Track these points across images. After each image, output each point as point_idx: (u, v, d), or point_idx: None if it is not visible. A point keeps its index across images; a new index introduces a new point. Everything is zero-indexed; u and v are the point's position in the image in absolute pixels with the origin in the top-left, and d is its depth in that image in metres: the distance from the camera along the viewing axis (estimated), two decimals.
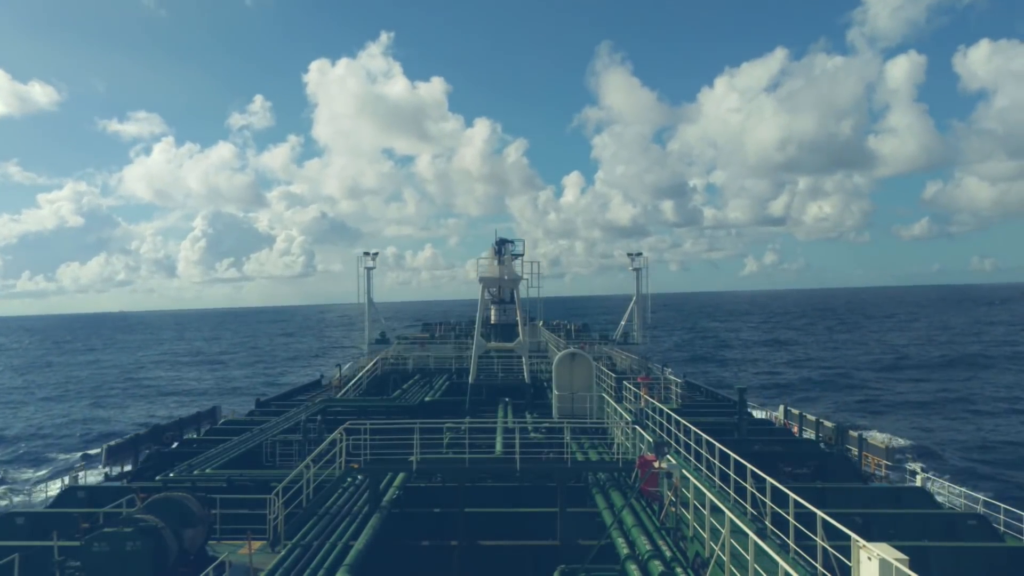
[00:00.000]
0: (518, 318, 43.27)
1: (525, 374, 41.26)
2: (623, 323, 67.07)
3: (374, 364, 48.51)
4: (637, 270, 62.98)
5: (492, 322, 71.56)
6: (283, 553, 16.81)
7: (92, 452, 35.96)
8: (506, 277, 42.59)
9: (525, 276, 43.93)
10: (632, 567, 15.65)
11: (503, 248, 45.69)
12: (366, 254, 60.94)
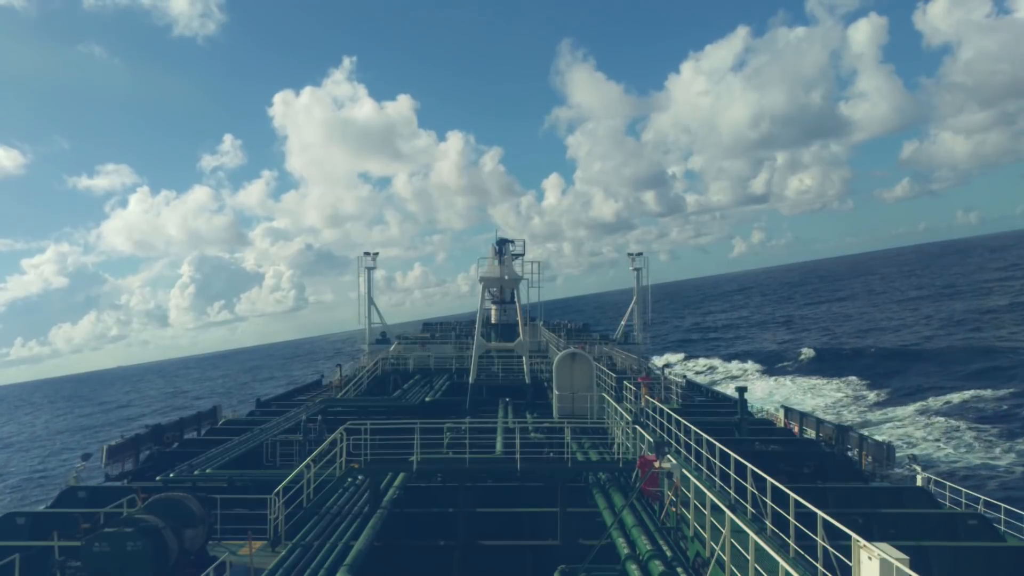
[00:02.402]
0: (518, 318, 43.27)
1: (525, 374, 41.26)
2: (623, 323, 67.06)
3: (375, 364, 48.52)
4: (637, 270, 63.01)
5: (492, 322, 71.58)
6: (283, 553, 16.82)
7: (92, 452, 35.95)
8: (507, 277, 42.60)
9: (526, 276, 43.95)
10: (632, 567, 15.66)
11: (503, 248, 45.69)
12: (367, 254, 61.26)
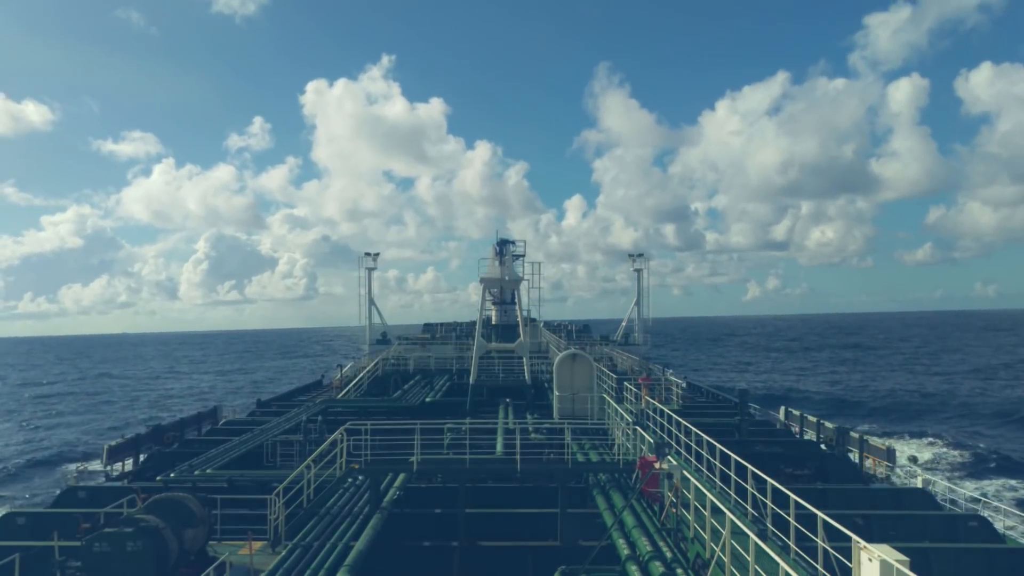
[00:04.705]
0: (519, 319, 43.27)
1: (526, 375, 41.25)
2: (623, 324, 67.13)
3: (375, 365, 48.50)
4: (638, 271, 63.11)
5: (493, 323, 71.63)
6: (284, 553, 16.82)
7: (92, 452, 36.02)
8: (507, 278, 42.58)
9: (526, 277, 43.97)
10: (633, 568, 15.65)
11: (504, 249, 45.69)
12: (367, 254, 61.72)
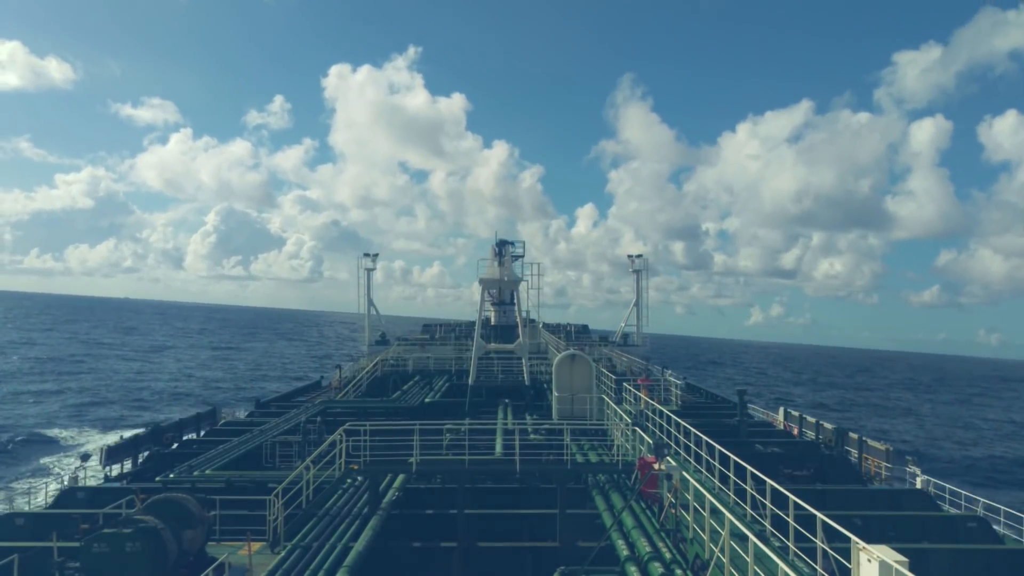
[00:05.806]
0: (518, 319, 43.26)
1: (525, 376, 41.25)
2: (622, 325, 67.13)
3: (374, 365, 48.50)
4: (637, 272, 63.10)
5: (492, 324, 71.65)
6: (283, 554, 16.83)
7: (91, 452, 35.99)
8: (506, 278, 42.57)
9: (525, 278, 43.97)
10: (632, 569, 15.66)
11: (503, 249, 45.66)
12: (366, 255, 61.82)
